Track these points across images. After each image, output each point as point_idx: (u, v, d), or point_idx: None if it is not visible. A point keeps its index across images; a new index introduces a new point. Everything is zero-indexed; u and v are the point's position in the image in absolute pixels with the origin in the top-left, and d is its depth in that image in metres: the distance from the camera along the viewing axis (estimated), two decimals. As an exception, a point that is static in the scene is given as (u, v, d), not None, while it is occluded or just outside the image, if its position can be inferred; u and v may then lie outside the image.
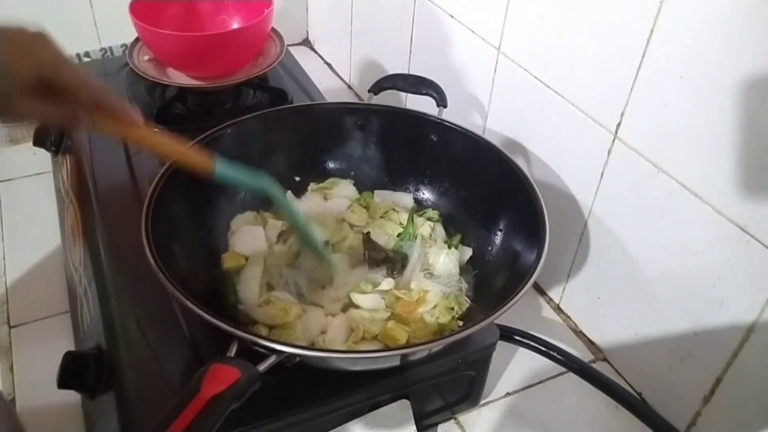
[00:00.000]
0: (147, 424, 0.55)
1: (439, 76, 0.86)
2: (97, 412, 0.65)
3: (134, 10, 0.90)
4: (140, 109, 0.58)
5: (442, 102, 0.83)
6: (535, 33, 0.78)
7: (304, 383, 0.59)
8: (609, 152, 0.72)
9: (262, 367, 0.49)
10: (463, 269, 0.74)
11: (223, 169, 0.61)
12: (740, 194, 0.58)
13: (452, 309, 0.69)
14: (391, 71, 0.94)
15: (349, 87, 1.34)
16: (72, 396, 0.65)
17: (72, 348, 0.72)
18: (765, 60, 0.53)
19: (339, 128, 0.83)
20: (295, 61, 1.10)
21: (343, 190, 0.82)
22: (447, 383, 0.67)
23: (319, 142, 0.84)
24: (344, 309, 0.68)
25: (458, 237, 0.78)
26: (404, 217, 0.78)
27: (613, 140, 0.71)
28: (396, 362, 0.60)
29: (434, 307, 0.69)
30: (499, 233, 0.74)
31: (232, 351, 0.51)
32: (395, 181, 0.84)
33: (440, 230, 0.79)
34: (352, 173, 0.84)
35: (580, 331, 0.85)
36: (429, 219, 0.79)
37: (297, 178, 0.83)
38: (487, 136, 0.77)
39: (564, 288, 0.86)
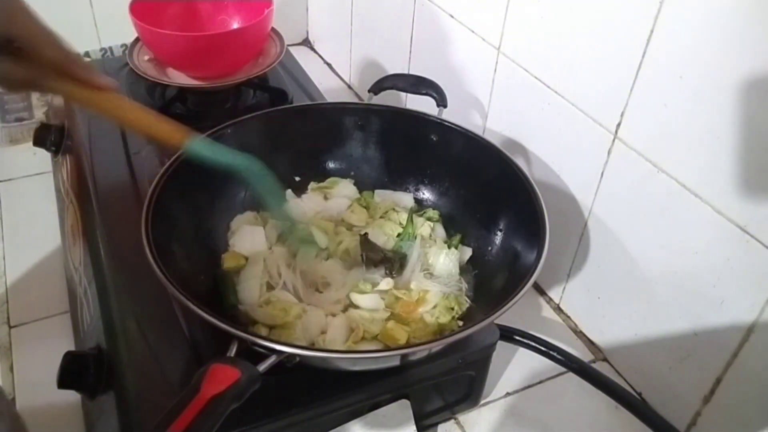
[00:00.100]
0: (147, 424, 0.55)
1: (439, 76, 0.86)
2: (97, 412, 0.65)
3: (134, 10, 0.90)
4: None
5: (442, 102, 0.83)
6: (535, 33, 0.78)
7: (304, 383, 0.59)
8: (609, 152, 0.72)
9: (262, 367, 0.50)
10: (463, 269, 0.74)
11: (196, 145, 0.57)
12: (740, 194, 0.58)
13: (452, 309, 0.69)
14: (391, 71, 0.94)
15: (349, 87, 1.34)
16: (72, 396, 0.65)
17: (72, 348, 0.72)
18: (765, 60, 0.53)
19: (339, 128, 0.83)
20: (295, 61, 1.10)
21: (344, 190, 0.82)
22: (447, 383, 0.67)
23: (319, 142, 0.84)
24: (344, 309, 0.68)
25: (458, 237, 0.78)
26: (404, 217, 0.78)
27: (613, 140, 0.71)
28: (396, 362, 0.60)
29: (434, 307, 0.69)
30: (499, 233, 0.74)
31: (232, 351, 0.51)
32: (395, 181, 0.84)
33: (440, 230, 0.79)
34: (352, 173, 0.84)
35: (580, 331, 0.85)
36: (429, 219, 0.79)
37: (297, 178, 0.83)
38: (487, 136, 0.77)
39: (564, 288, 0.86)
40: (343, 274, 0.71)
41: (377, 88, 0.85)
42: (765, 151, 0.55)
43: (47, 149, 0.97)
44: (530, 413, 0.74)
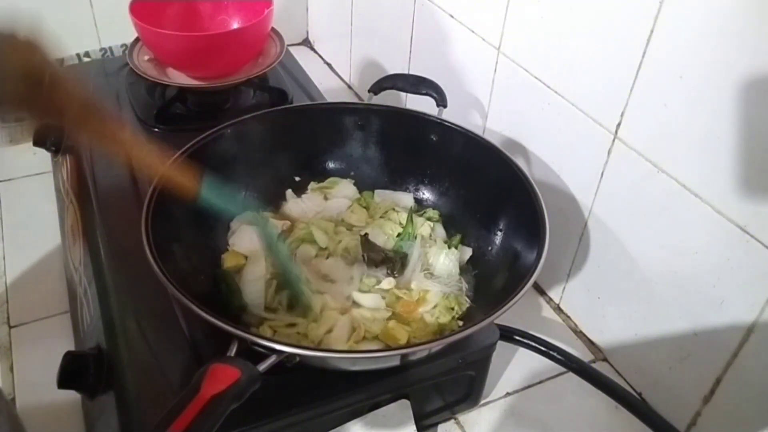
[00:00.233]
0: (147, 424, 0.55)
1: (439, 76, 0.86)
2: (97, 412, 0.65)
3: (134, 10, 0.90)
4: (138, 112, 0.58)
5: (442, 102, 0.83)
6: (535, 33, 0.78)
7: (304, 383, 0.59)
8: (609, 152, 0.72)
9: (262, 367, 0.50)
10: (463, 269, 0.74)
11: (207, 193, 0.62)
12: (740, 194, 0.58)
13: (452, 309, 0.69)
14: (391, 71, 0.94)
15: (349, 87, 1.34)
16: (72, 396, 0.65)
17: (72, 348, 0.72)
18: (765, 60, 0.53)
19: (339, 128, 0.83)
20: (295, 61, 1.10)
21: (344, 190, 0.82)
22: (447, 383, 0.67)
23: (319, 142, 0.84)
24: (346, 308, 0.68)
25: (458, 237, 0.78)
26: (404, 217, 0.78)
27: (613, 140, 0.71)
28: (396, 362, 0.60)
29: (434, 307, 0.69)
30: (499, 233, 0.74)
31: (232, 351, 0.51)
32: (395, 181, 0.84)
33: (440, 230, 0.79)
34: (352, 173, 0.84)
35: (580, 331, 0.85)
36: (429, 219, 0.79)
37: (297, 178, 0.83)
38: (487, 136, 0.77)
39: (564, 288, 0.86)
40: (347, 270, 0.71)
41: (377, 88, 0.85)
42: (765, 151, 0.55)
43: (47, 149, 0.97)
44: (530, 413, 0.74)
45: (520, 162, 0.77)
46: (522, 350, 0.78)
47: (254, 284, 0.69)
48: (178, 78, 0.95)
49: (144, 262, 0.56)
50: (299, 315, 0.66)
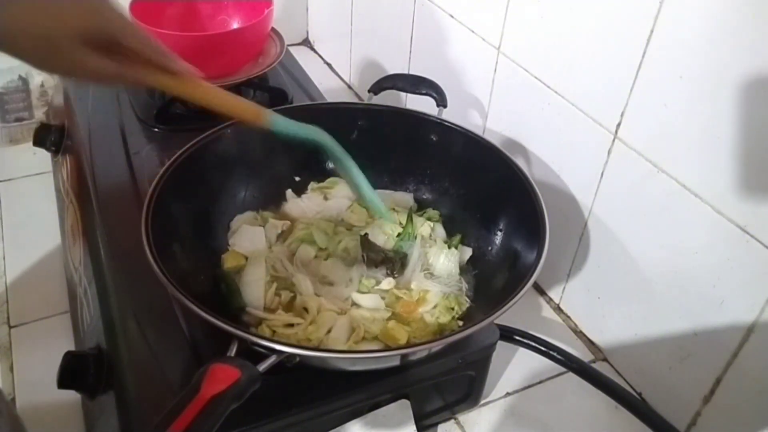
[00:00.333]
0: (147, 424, 0.55)
1: (439, 76, 0.86)
2: (97, 412, 0.65)
3: (134, 10, 0.90)
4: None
5: (442, 102, 0.83)
6: (535, 33, 0.78)
7: (304, 383, 0.59)
8: (609, 152, 0.72)
9: (262, 367, 0.49)
10: (463, 269, 0.74)
11: (274, 122, 0.61)
12: (740, 194, 0.58)
13: (452, 309, 0.69)
14: (391, 71, 0.94)
15: (349, 87, 1.34)
16: (72, 396, 0.65)
17: (72, 348, 0.72)
18: (765, 60, 0.53)
19: (339, 128, 0.83)
20: (295, 61, 1.10)
21: (344, 189, 0.82)
22: (447, 383, 0.67)
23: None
24: (346, 308, 0.68)
25: (458, 237, 0.77)
26: (404, 217, 0.78)
27: (613, 140, 0.71)
28: (396, 362, 0.60)
29: (434, 307, 0.69)
30: (499, 233, 0.74)
31: (232, 351, 0.51)
32: (395, 181, 0.84)
33: (440, 230, 0.79)
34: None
35: (580, 331, 0.85)
36: (429, 219, 0.79)
37: (297, 178, 0.83)
38: (487, 136, 0.77)
39: (564, 288, 0.86)
40: (346, 272, 0.71)
41: (377, 88, 0.85)
42: (765, 151, 0.55)
43: (47, 149, 0.97)
44: (530, 413, 0.74)
45: (520, 162, 0.77)
46: (522, 350, 0.78)
47: (254, 285, 0.69)
48: (178, 78, 0.95)
49: (144, 262, 0.56)
50: (298, 314, 0.66)
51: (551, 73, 0.77)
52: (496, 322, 0.59)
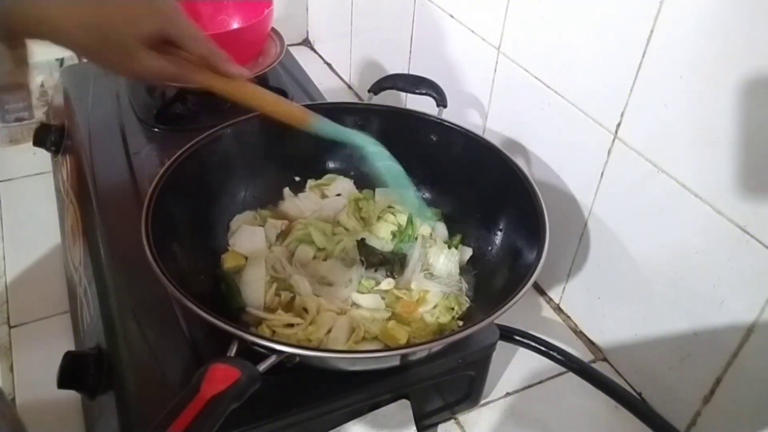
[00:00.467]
0: (147, 424, 0.55)
1: (439, 76, 0.86)
2: (97, 412, 0.65)
3: (134, 10, 0.90)
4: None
5: (442, 102, 0.83)
6: (535, 33, 0.78)
7: (304, 383, 0.59)
8: (609, 152, 0.72)
9: (262, 367, 0.49)
10: (463, 269, 0.74)
11: (320, 126, 0.63)
12: (740, 194, 0.58)
13: (452, 309, 0.69)
14: (391, 71, 0.94)
15: (349, 87, 1.34)
16: (72, 396, 0.65)
17: (72, 348, 0.72)
18: (765, 60, 0.53)
19: (339, 128, 0.83)
20: (295, 61, 1.10)
21: (341, 186, 0.82)
22: (447, 383, 0.67)
23: (319, 142, 0.83)
24: (345, 309, 0.68)
25: (458, 237, 0.77)
26: (403, 217, 0.78)
27: (613, 140, 0.71)
28: (396, 362, 0.60)
29: (434, 307, 0.69)
30: (499, 233, 0.74)
31: (232, 351, 0.51)
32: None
33: (442, 229, 0.79)
34: (352, 173, 0.84)
35: (580, 331, 0.85)
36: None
37: (297, 178, 0.83)
38: (487, 136, 0.77)
39: (564, 288, 0.86)
40: (345, 272, 0.71)
41: (377, 88, 0.85)
42: (765, 151, 0.55)
43: (47, 149, 0.97)
44: (530, 413, 0.74)
45: (520, 162, 0.77)
46: (522, 350, 0.78)
47: (254, 285, 0.69)
48: (178, 78, 0.95)
49: (144, 262, 0.56)
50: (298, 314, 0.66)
51: (551, 73, 0.77)
52: (496, 322, 0.59)
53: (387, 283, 0.70)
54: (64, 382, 0.61)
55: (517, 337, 0.76)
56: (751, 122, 0.56)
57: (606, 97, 0.70)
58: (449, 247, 0.75)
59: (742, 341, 0.61)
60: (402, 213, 0.79)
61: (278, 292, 0.69)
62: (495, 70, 0.87)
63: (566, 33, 0.73)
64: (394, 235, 0.76)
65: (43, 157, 1.03)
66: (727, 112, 0.57)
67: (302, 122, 0.62)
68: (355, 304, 0.69)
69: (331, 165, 0.85)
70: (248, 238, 0.74)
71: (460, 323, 0.68)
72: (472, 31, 0.90)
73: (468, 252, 0.76)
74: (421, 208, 0.71)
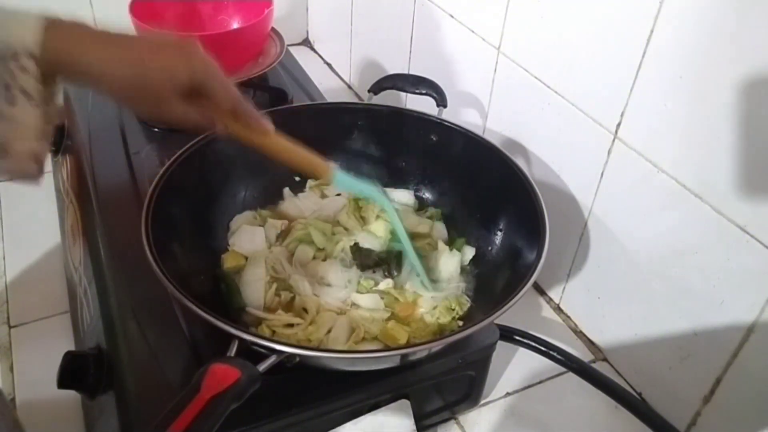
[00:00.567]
0: (147, 424, 0.55)
1: (439, 76, 0.86)
2: (97, 412, 0.65)
3: (134, 10, 0.90)
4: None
5: (442, 102, 0.83)
6: (535, 33, 0.78)
7: (304, 383, 0.59)
8: (609, 152, 0.72)
9: (262, 367, 0.49)
10: (464, 269, 0.74)
11: (339, 179, 0.65)
12: (740, 194, 0.58)
13: (453, 309, 0.69)
14: (391, 71, 0.94)
15: (349, 87, 1.34)
16: (72, 396, 0.65)
17: (72, 348, 0.72)
18: (765, 60, 0.53)
19: (339, 128, 0.83)
20: (295, 61, 1.10)
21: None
22: (447, 383, 0.67)
23: (319, 142, 0.83)
24: (345, 309, 0.68)
25: (462, 240, 0.77)
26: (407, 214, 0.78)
27: (613, 140, 0.71)
28: (396, 362, 0.60)
29: (435, 307, 0.69)
30: (499, 233, 0.74)
31: (232, 351, 0.51)
32: (395, 181, 0.84)
33: (441, 229, 0.79)
34: (352, 173, 0.84)
35: (580, 331, 0.85)
36: (429, 218, 0.79)
37: (297, 178, 0.83)
38: (487, 136, 0.77)
39: (564, 288, 0.86)
40: (344, 273, 0.71)
41: (377, 88, 0.86)
42: (765, 151, 0.55)
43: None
44: (530, 413, 0.74)
45: (520, 162, 0.77)
46: (522, 350, 0.78)
47: (254, 285, 0.69)
48: (178, 78, 0.95)
49: (144, 262, 0.56)
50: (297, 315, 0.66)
51: (551, 73, 0.77)
52: (496, 322, 0.59)
53: (385, 284, 0.70)
54: (64, 382, 0.61)
55: (517, 337, 0.76)
56: (750, 122, 0.56)
57: (606, 97, 0.70)
58: (451, 250, 0.75)
59: (742, 341, 0.61)
60: (402, 210, 0.79)
61: (278, 292, 0.69)
62: (495, 70, 0.87)
63: (566, 33, 0.73)
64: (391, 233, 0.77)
65: (43, 157, 1.03)
66: (726, 111, 0.57)
67: (323, 174, 0.64)
68: (354, 305, 0.69)
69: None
70: (248, 238, 0.74)
71: (460, 323, 0.68)
72: (472, 31, 0.90)
73: (471, 252, 0.76)
74: (422, 275, 0.71)
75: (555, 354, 0.75)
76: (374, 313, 0.67)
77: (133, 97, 0.51)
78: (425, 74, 0.86)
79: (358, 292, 0.70)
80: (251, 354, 0.50)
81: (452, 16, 0.93)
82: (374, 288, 0.70)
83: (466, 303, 0.71)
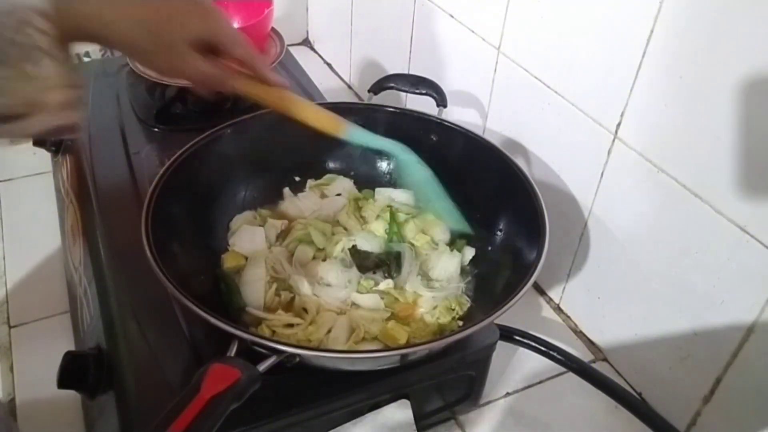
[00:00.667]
0: (147, 424, 0.55)
1: (439, 76, 0.86)
2: (97, 412, 0.65)
3: (134, 10, 0.90)
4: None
5: (442, 102, 0.83)
6: (535, 33, 0.78)
7: (304, 383, 0.59)
8: (609, 152, 0.72)
9: (262, 367, 0.49)
10: (464, 269, 0.74)
11: (353, 133, 0.64)
12: (740, 194, 0.58)
13: (453, 309, 0.69)
14: (391, 71, 0.94)
15: (349, 87, 1.34)
16: (72, 396, 0.65)
17: (72, 348, 0.72)
18: (765, 60, 0.53)
19: (339, 128, 0.83)
20: (295, 61, 1.10)
21: (341, 186, 0.82)
22: (447, 383, 0.67)
23: (319, 142, 0.83)
24: (345, 309, 0.68)
25: (462, 241, 0.77)
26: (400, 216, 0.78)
27: (613, 140, 0.71)
28: (396, 362, 0.60)
29: (435, 308, 0.69)
30: (499, 233, 0.74)
31: (232, 351, 0.51)
32: (395, 181, 0.84)
33: (441, 230, 0.78)
34: (352, 173, 0.84)
35: (580, 331, 0.85)
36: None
37: (297, 178, 0.83)
38: (487, 136, 0.77)
39: (564, 288, 0.86)
40: (344, 273, 0.71)
41: (377, 88, 0.86)
42: (765, 151, 0.55)
43: (47, 149, 0.97)
44: (530, 413, 0.74)
45: (520, 162, 0.77)
46: (522, 350, 0.78)
47: (254, 285, 0.69)
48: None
49: (144, 262, 0.56)
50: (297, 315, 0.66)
51: (551, 73, 0.77)
52: (496, 322, 0.59)
53: (385, 284, 0.70)
54: (64, 382, 0.61)
55: (517, 337, 0.76)
56: (750, 122, 0.56)
57: (606, 97, 0.70)
58: (451, 250, 0.75)
59: (742, 341, 0.61)
60: (402, 209, 0.79)
61: (278, 292, 0.69)
62: (495, 70, 0.87)
63: (566, 33, 0.73)
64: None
65: (43, 157, 1.03)
66: (727, 111, 0.57)
67: (336, 130, 0.64)
68: (354, 304, 0.69)
69: (331, 165, 0.85)
70: (248, 238, 0.74)
71: (460, 323, 0.68)
72: (472, 31, 0.90)
73: (470, 252, 0.76)
74: (451, 215, 0.71)
75: (555, 354, 0.75)
76: (374, 313, 0.67)
77: (146, 50, 0.51)
78: (425, 74, 0.86)
79: (358, 292, 0.70)
80: (251, 354, 0.50)
81: (452, 16, 0.93)
82: (374, 288, 0.70)
83: (466, 303, 0.71)
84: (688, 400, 0.69)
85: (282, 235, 0.76)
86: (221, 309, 0.66)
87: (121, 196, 0.78)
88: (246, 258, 0.72)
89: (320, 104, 0.88)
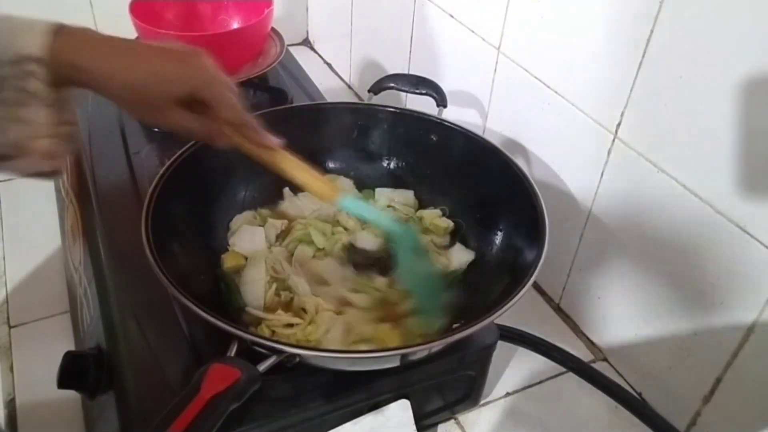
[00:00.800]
0: (147, 424, 0.55)
1: (439, 76, 0.86)
2: (97, 412, 0.65)
3: (134, 10, 0.90)
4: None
5: (442, 102, 0.83)
6: (535, 33, 0.78)
7: (304, 383, 0.59)
8: (609, 152, 0.72)
9: (262, 367, 0.50)
10: (464, 270, 0.74)
11: (348, 203, 0.64)
12: (740, 194, 0.58)
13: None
14: (391, 71, 0.94)
15: (349, 87, 1.34)
16: (72, 396, 0.65)
17: (72, 348, 0.72)
18: (765, 60, 0.53)
19: (339, 128, 0.83)
20: (295, 61, 1.10)
21: (341, 185, 0.82)
22: (447, 383, 0.67)
23: (319, 142, 0.84)
24: (341, 309, 0.68)
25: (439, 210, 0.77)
26: (401, 216, 0.78)
27: (613, 140, 0.71)
28: (396, 362, 0.60)
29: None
30: (499, 233, 0.74)
31: (232, 351, 0.51)
32: (395, 181, 0.84)
33: (405, 195, 0.79)
34: (352, 173, 0.84)
35: (581, 331, 0.85)
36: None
37: (297, 178, 0.83)
38: (487, 136, 0.77)
39: (564, 288, 0.86)
40: (342, 271, 0.71)
41: (377, 88, 0.86)
42: (765, 151, 0.55)
43: (47, 149, 0.97)
44: (530, 413, 0.74)
45: (520, 162, 0.77)
46: (522, 350, 0.78)
47: (254, 285, 0.69)
48: (178, 78, 0.95)
49: (144, 262, 0.56)
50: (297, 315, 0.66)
51: (551, 73, 0.77)
52: (496, 322, 0.59)
53: (380, 283, 0.70)
54: (64, 382, 0.61)
55: (517, 337, 0.76)
56: (751, 122, 0.56)
57: (606, 97, 0.70)
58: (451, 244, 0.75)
59: (742, 341, 0.61)
60: (402, 209, 0.79)
61: (278, 292, 0.69)
62: (495, 70, 0.87)
63: (566, 33, 0.73)
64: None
65: (43, 157, 1.03)
66: (727, 112, 0.57)
67: (331, 198, 0.64)
68: (349, 304, 0.68)
69: (331, 165, 0.85)
70: (248, 238, 0.74)
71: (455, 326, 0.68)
72: (472, 31, 0.90)
73: (470, 255, 0.75)
74: (430, 309, 0.67)
75: (555, 354, 0.75)
76: (366, 312, 0.67)
77: (132, 102, 0.52)
78: (425, 74, 0.86)
79: (353, 291, 0.70)
80: (251, 354, 0.50)
81: (452, 16, 0.93)
82: (369, 286, 0.70)
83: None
84: (688, 400, 0.69)
85: (282, 235, 0.76)
86: (221, 309, 0.66)
87: (121, 196, 0.78)
88: (246, 258, 0.72)
89: (320, 104, 0.88)
